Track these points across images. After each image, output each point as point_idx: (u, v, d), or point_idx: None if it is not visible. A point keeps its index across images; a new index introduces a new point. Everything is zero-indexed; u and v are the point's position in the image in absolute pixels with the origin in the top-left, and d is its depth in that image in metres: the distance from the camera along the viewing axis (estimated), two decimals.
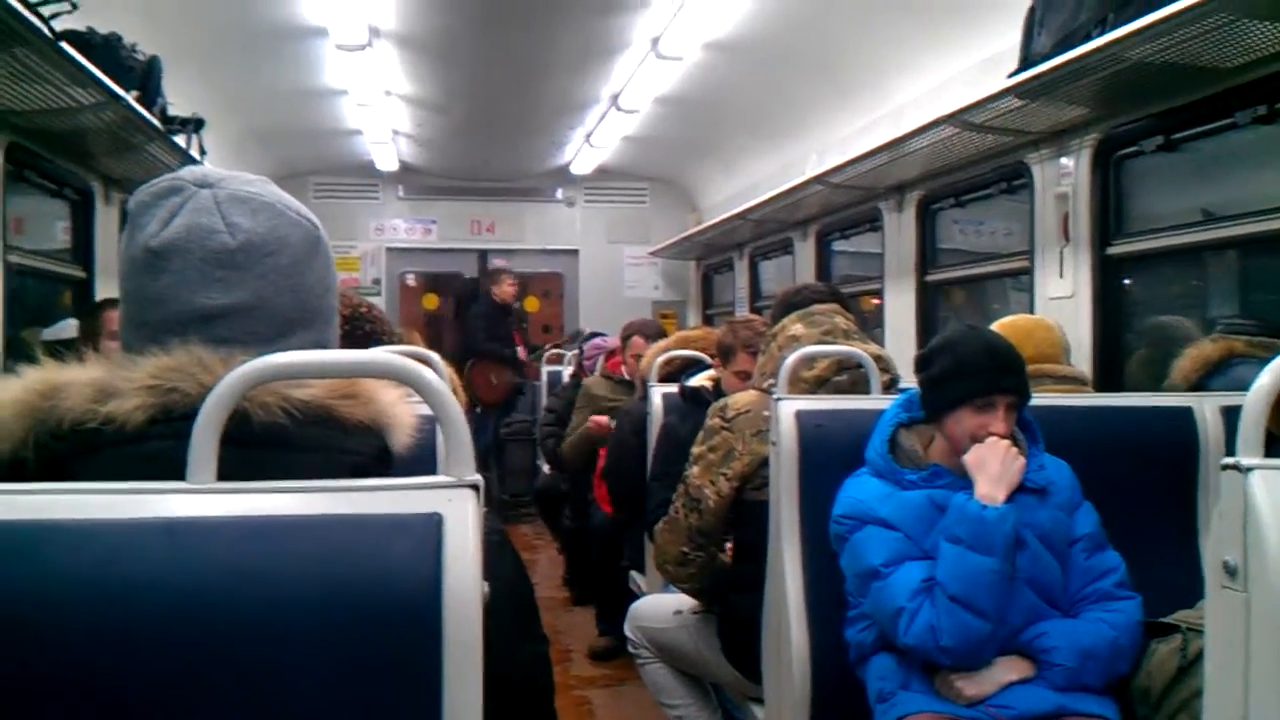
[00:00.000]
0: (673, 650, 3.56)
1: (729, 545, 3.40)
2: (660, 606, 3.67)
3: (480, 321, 9.69)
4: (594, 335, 7.34)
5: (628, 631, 3.73)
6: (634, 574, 5.15)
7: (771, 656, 2.96)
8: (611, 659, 5.54)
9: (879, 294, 6.51)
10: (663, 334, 6.00)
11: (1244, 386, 1.62)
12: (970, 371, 2.56)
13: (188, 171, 1.36)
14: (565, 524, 6.70)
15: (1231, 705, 1.52)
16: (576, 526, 6.35)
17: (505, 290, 9.61)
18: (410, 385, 1.19)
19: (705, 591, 3.41)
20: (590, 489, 5.71)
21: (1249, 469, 1.51)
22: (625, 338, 6.07)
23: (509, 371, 9.54)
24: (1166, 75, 3.64)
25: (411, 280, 11.08)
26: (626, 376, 6.04)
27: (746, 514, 3.19)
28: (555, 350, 9.44)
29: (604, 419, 5.76)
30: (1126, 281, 4.47)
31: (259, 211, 1.32)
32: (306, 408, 1.24)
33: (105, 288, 5.38)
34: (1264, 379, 1.56)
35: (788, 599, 2.79)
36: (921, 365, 2.66)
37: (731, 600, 3.30)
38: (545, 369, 9.21)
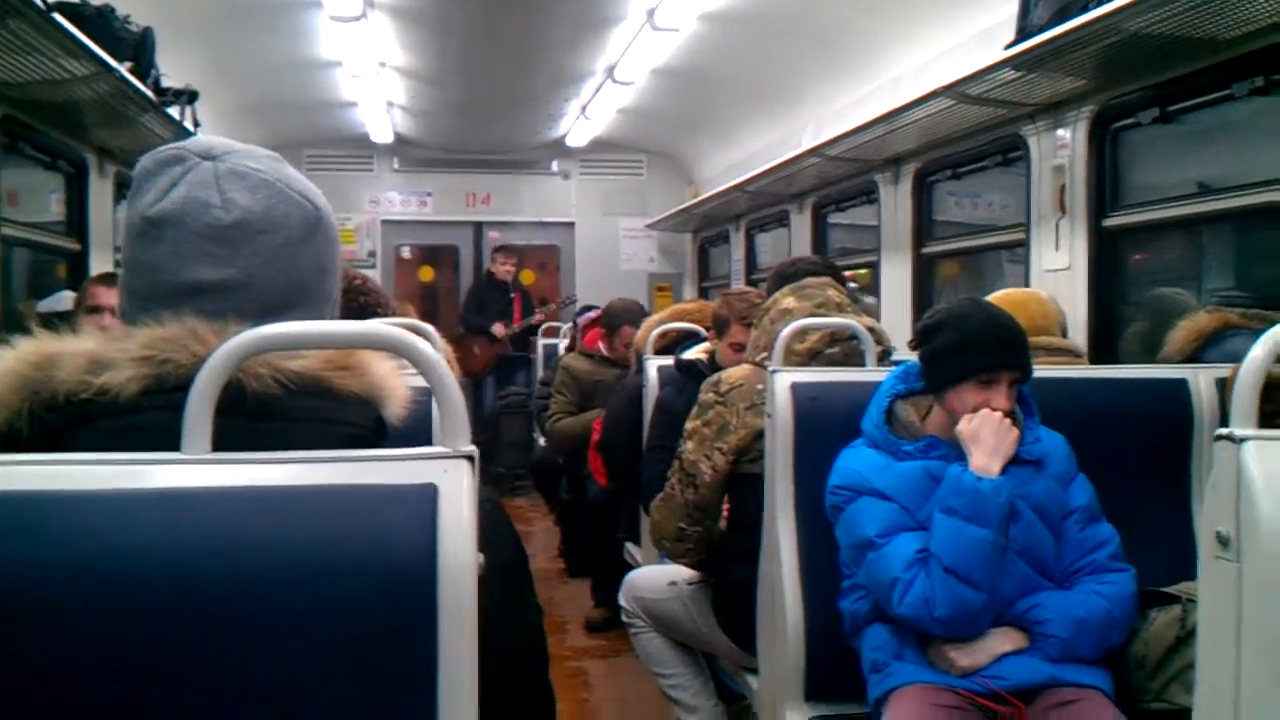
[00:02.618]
0: (668, 621, 3.57)
1: (724, 510, 3.40)
2: (655, 577, 3.68)
3: (472, 296, 10.14)
4: (588, 309, 7.34)
5: (623, 602, 3.74)
6: (629, 545, 5.17)
7: (766, 627, 2.97)
8: (607, 630, 5.57)
9: (875, 266, 6.51)
10: (645, 314, 6.02)
11: (1238, 358, 1.62)
12: (975, 347, 2.55)
13: (194, 141, 1.35)
14: (561, 496, 6.71)
15: (1224, 674, 1.53)
16: (572, 499, 6.36)
17: (500, 267, 9.92)
18: (405, 356, 1.19)
19: (704, 563, 3.42)
20: (585, 461, 5.72)
21: (1242, 439, 1.51)
22: (611, 325, 6.07)
23: (491, 343, 9.71)
24: (1163, 47, 3.63)
25: (407, 253, 11.06)
26: (605, 353, 6.07)
27: (741, 486, 3.20)
28: (551, 324, 9.45)
29: None
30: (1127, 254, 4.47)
31: (257, 189, 1.32)
32: (300, 379, 1.24)
33: (100, 260, 5.37)
34: (1257, 350, 1.56)
35: (783, 570, 2.80)
36: (924, 337, 2.65)
37: (726, 570, 3.30)
38: (541, 342, 9.21)
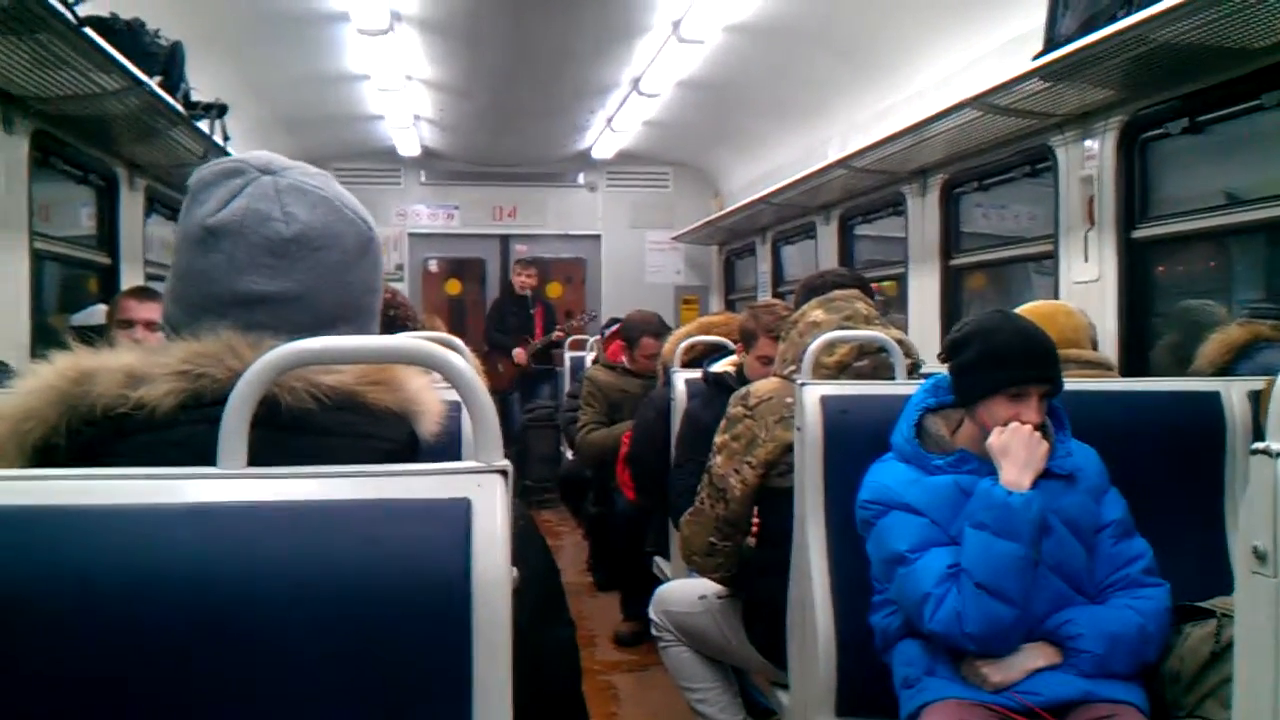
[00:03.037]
0: (697, 635, 3.56)
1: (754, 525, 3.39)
2: (685, 591, 3.67)
3: (494, 311, 10.12)
4: (615, 321, 7.35)
5: (652, 616, 3.73)
6: (658, 559, 5.15)
7: (796, 642, 2.96)
8: (636, 644, 5.55)
9: (903, 278, 6.49)
10: (664, 325, 6.06)
11: (1271, 371, 1.61)
12: (1005, 360, 2.54)
13: (253, 156, 1.38)
14: (589, 510, 6.70)
15: (1261, 690, 1.51)
16: (600, 512, 6.36)
17: (518, 280, 9.89)
18: (438, 370, 1.19)
19: (733, 578, 3.41)
20: (613, 475, 5.72)
21: (1279, 454, 1.50)
22: (630, 337, 6.10)
23: (513, 359, 9.72)
24: (1193, 56, 3.61)
25: (434, 266, 11.09)
26: (627, 365, 6.11)
27: (770, 500, 3.19)
28: (579, 336, 9.47)
29: None
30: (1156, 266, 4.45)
31: (317, 205, 1.34)
32: (335, 393, 1.25)
33: (130, 273, 5.40)
34: None
35: (813, 585, 2.79)
36: (954, 351, 2.64)
37: (756, 585, 3.29)
38: (568, 355, 9.22)
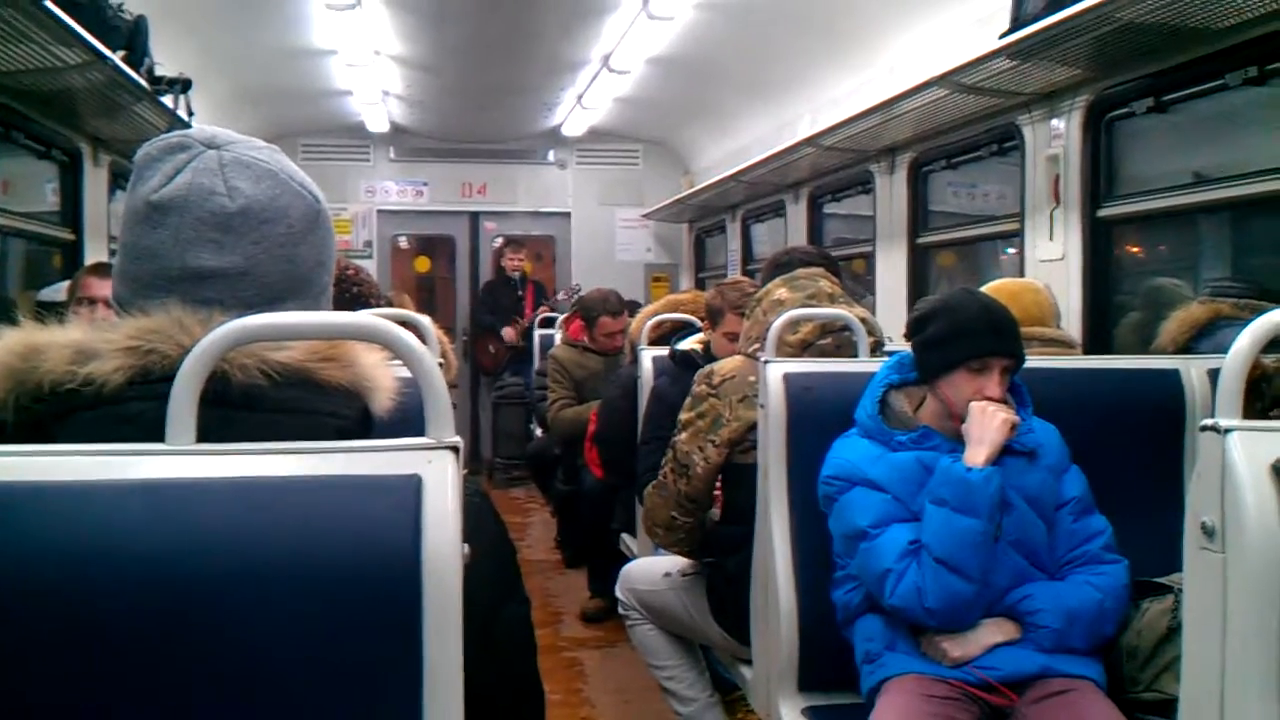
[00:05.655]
0: (663, 612, 3.57)
1: (717, 496, 3.40)
2: (651, 569, 3.68)
3: (484, 294, 10.27)
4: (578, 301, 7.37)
5: (619, 594, 3.74)
6: (625, 537, 5.17)
7: (759, 618, 2.97)
8: (603, 621, 5.57)
9: (870, 257, 6.49)
10: (623, 303, 6.08)
11: (1229, 349, 1.62)
12: (967, 334, 2.55)
13: (198, 130, 1.37)
14: (558, 487, 6.71)
15: (1209, 665, 1.53)
16: (568, 490, 6.37)
17: (509, 262, 10.04)
18: (388, 348, 1.19)
19: (696, 552, 3.43)
20: (581, 453, 5.73)
21: (1227, 430, 1.51)
22: (588, 317, 6.13)
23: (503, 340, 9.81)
24: (1157, 36, 3.62)
25: (403, 243, 11.04)
26: (588, 344, 6.15)
27: (735, 476, 3.20)
28: (548, 315, 9.48)
29: None
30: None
31: (262, 179, 1.33)
32: (285, 370, 1.24)
33: (94, 250, 5.35)
34: (1243, 341, 1.57)
35: (775, 561, 2.80)
36: (917, 327, 2.65)
37: (720, 561, 3.31)
38: (537, 333, 9.22)
